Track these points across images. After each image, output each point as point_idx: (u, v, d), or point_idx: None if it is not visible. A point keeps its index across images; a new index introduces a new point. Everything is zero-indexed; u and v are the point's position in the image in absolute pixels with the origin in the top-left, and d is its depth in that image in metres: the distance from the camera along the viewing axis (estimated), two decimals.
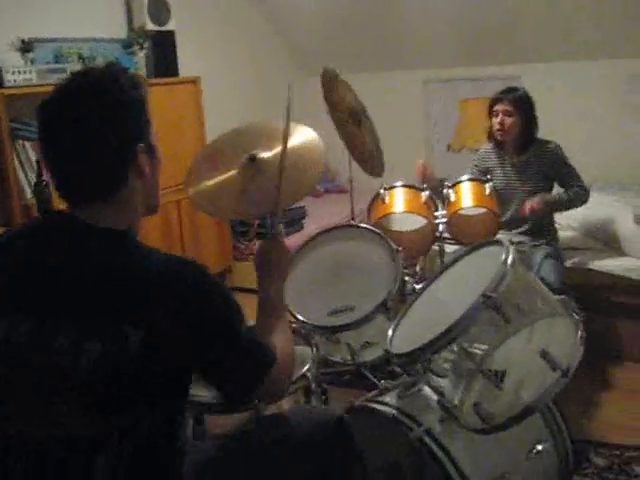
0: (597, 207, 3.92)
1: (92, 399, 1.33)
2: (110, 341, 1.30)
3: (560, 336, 1.91)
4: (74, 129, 1.38)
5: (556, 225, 3.63)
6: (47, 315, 1.34)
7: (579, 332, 1.91)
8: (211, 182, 2.76)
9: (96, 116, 1.37)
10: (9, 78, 3.49)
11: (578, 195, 3.41)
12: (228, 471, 1.63)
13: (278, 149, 2.72)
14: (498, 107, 3.46)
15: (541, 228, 3.52)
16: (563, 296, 2.03)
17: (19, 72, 3.54)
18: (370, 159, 3.43)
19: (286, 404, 2.04)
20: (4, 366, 1.36)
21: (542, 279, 2.36)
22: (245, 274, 4.94)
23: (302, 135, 2.78)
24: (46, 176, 3.53)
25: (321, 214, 5.29)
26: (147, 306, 1.33)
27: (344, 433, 1.76)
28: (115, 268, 1.36)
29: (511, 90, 3.49)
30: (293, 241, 4.59)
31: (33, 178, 3.57)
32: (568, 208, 3.50)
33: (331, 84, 3.41)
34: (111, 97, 1.39)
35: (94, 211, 1.41)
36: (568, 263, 3.61)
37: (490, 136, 3.60)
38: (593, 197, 3.83)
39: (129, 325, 1.31)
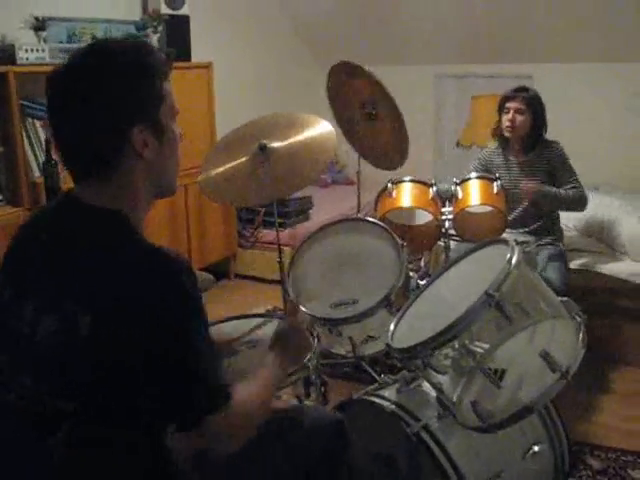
0: (603, 210, 3.92)
1: (46, 375, 1.35)
2: (64, 318, 1.30)
3: (561, 338, 1.91)
4: (70, 103, 1.36)
5: (562, 226, 3.63)
6: (22, 284, 1.39)
7: (581, 334, 1.91)
8: (221, 169, 2.79)
9: (91, 91, 1.35)
10: (21, 56, 3.48)
11: (575, 197, 3.38)
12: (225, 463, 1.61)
13: (288, 139, 2.76)
14: (510, 104, 3.46)
15: (547, 228, 3.52)
16: (566, 298, 2.03)
17: (32, 50, 3.53)
18: (385, 154, 3.46)
19: (285, 395, 2.04)
20: None
21: (546, 280, 2.36)
22: (249, 262, 4.95)
23: (316, 128, 2.81)
24: (55, 155, 3.54)
25: (328, 205, 5.29)
26: (102, 291, 1.29)
27: (343, 436, 1.77)
28: (87, 247, 1.34)
29: (524, 89, 3.49)
30: (299, 231, 4.61)
31: (42, 157, 3.58)
32: (567, 208, 3.48)
33: (346, 79, 3.41)
34: (103, 70, 1.36)
35: (93, 189, 1.39)
36: (572, 265, 3.61)
37: (495, 134, 3.60)
38: (599, 199, 3.83)
39: (81, 306, 1.29)
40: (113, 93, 1.35)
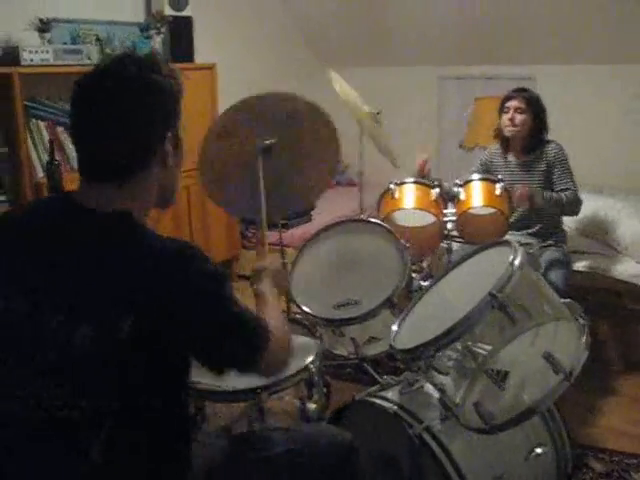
0: (605, 211, 3.92)
1: (82, 381, 1.35)
2: (102, 324, 1.32)
3: (565, 339, 1.91)
4: (108, 106, 1.39)
5: (564, 228, 3.63)
6: (43, 294, 1.37)
7: (584, 336, 1.91)
8: (223, 170, 2.78)
9: (131, 96, 1.40)
10: (26, 57, 3.49)
11: (569, 199, 3.36)
12: (238, 475, 1.65)
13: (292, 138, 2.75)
14: (510, 104, 3.48)
15: (550, 231, 3.52)
16: (569, 300, 2.03)
17: (36, 51, 3.54)
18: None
19: (287, 397, 2.04)
20: None
21: (548, 281, 2.36)
22: (252, 262, 4.94)
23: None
24: (58, 156, 3.55)
25: (330, 206, 5.27)
26: (139, 291, 1.33)
27: (354, 459, 1.77)
28: (111, 253, 1.37)
29: (523, 89, 3.52)
30: (302, 232, 4.61)
31: (45, 157, 3.59)
32: (561, 211, 3.45)
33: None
34: (149, 80, 1.42)
35: (107, 193, 1.41)
36: (575, 266, 3.60)
37: (497, 134, 3.61)
38: (602, 201, 3.82)
39: (120, 309, 1.31)
40: (152, 106, 1.43)
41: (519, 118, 3.44)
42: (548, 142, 3.50)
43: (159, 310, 1.33)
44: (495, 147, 3.67)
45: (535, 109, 3.45)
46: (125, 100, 1.40)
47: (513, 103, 3.47)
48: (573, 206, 3.40)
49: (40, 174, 3.63)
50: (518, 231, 3.52)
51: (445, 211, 3.29)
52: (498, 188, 3.25)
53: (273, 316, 1.66)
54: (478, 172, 3.57)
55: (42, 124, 3.68)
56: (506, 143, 3.58)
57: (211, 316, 1.41)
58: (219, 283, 1.44)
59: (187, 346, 1.42)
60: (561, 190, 3.38)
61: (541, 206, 3.33)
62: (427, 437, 1.98)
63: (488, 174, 3.46)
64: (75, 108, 1.43)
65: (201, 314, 1.39)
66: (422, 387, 2.19)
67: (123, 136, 1.40)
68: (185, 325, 1.37)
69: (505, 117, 3.49)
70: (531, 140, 3.49)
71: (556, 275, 3.21)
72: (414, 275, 2.93)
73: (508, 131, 3.48)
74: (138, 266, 1.35)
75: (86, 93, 1.42)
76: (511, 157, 3.57)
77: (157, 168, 1.45)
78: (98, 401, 1.35)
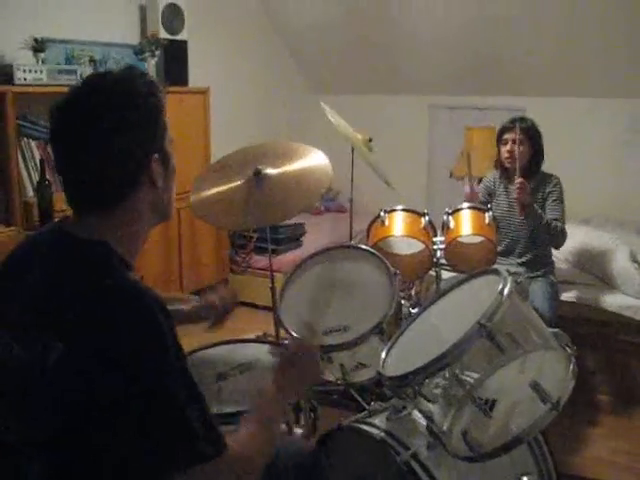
0: (594, 243, 3.94)
1: (17, 405, 1.31)
2: (33, 346, 1.27)
3: (552, 369, 1.91)
4: (84, 133, 1.32)
5: (553, 258, 3.65)
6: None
7: (571, 366, 1.91)
8: (214, 191, 2.80)
9: (108, 120, 1.32)
10: (19, 76, 3.51)
11: (557, 229, 3.38)
12: None
13: (283, 167, 2.77)
14: (508, 136, 3.49)
15: (539, 261, 3.54)
16: (557, 329, 2.03)
17: (30, 71, 3.56)
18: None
19: None
20: None
21: (536, 310, 2.36)
22: (241, 287, 4.94)
23: (312, 158, 2.82)
24: (49, 176, 3.54)
25: (320, 232, 5.30)
26: (74, 322, 1.24)
27: (318, 467, 1.77)
28: (65, 279, 1.30)
29: (521, 119, 3.52)
30: (292, 258, 4.61)
31: (36, 177, 3.59)
32: (546, 233, 3.41)
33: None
34: (126, 101, 1.35)
35: (92, 220, 1.37)
36: (563, 296, 3.62)
37: (497, 165, 3.63)
38: (590, 232, 3.84)
39: (52, 335, 1.25)
40: (135, 123, 1.35)
41: (518, 150, 3.44)
42: (549, 176, 3.53)
43: (89, 349, 1.22)
44: (495, 173, 3.71)
45: (533, 137, 3.48)
46: (99, 124, 1.32)
47: (511, 135, 3.47)
48: (558, 236, 3.41)
49: (30, 193, 3.62)
50: (507, 259, 3.54)
51: (434, 239, 3.31)
52: (487, 217, 3.27)
53: (252, 434, 1.40)
54: (484, 197, 3.64)
55: (34, 143, 3.68)
56: (506, 172, 3.61)
57: (145, 393, 1.22)
58: (167, 354, 1.25)
59: (108, 401, 1.22)
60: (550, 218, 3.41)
61: (532, 213, 3.34)
62: (414, 464, 1.96)
63: (490, 197, 3.52)
64: (51, 133, 1.38)
65: (132, 381, 1.21)
66: (409, 414, 2.18)
67: (102, 163, 1.32)
68: (111, 380, 1.21)
69: (504, 149, 3.50)
70: (530, 169, 3.51)
71: (543, 304, 3.23)
72: (403, 302, 2.93)
73: (508, 163, 3.50)
74: (84, 298, 1.26)
75: (60, 117, 1.37)
76: (510, 185, 3.57)
77: (147, 190, 1.39)
78: (28, 428, 1.30)
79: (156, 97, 1.40)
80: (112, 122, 1.32)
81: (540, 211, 3.36)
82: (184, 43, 4.61)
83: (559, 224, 3.39)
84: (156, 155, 1.39)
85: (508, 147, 3.48)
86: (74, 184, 1.37)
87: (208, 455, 1.25)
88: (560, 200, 3.47)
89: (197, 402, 1.27)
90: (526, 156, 3.47)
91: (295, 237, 5.08)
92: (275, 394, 1.53)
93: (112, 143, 1.32)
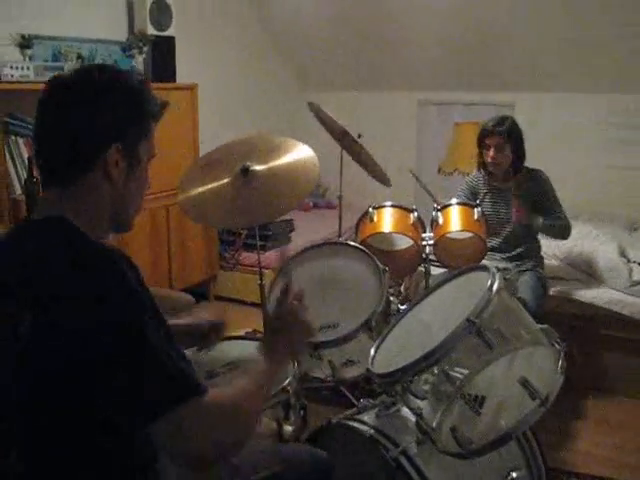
0: (582, 239, 3.96)
1: None
2: (4, 320, 1.29)
3: (541, 365, 1.91)
4: (52, 112, 1.39)
5: (542, 254, 3.67)
6: None
7: (560, 362, 1.92)
8: (202, 189, 2.78)
9: (76, 103, 1.38)
10: (6, 72, 3.48)
11: (561, 227, 3.44)
12: None
13: (271, 162, 2.76)
14: (489, 141, 3.46)
15: (528, 255, 3.55)
16: (546, 325, 2.04)
17: (17, 67, 3.53)
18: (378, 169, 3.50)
19: (264, 418, 2.03)
20: None
21: (521, 301, 2.37)
22: (230, 284, 4.95)
23: (299, 153, 2.81)
24: (37, 173, 3.52)
25: (309, 228, 5.30)
26: (42, 289, 1.26)
27: (331, 476, 1.78)
28: (29, 250, 1.33)
29: (501, 122, 3.47)
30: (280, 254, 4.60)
31: (24, 174, 3.57)
32: (552, 235, 3.55)
33: (319, 114, 3.45)
34: (96, 88, 1.40)
35: (51, 199, 1.40)
36: (551, 292, 3.64)
37: (480, 166, 3.63)
38: (578, 228, 3.86)
39: (21, 305, 1.27)
40: (107, 105, 1.39)
41: (501, 156, 3.44)
42: (534, 172, 3.53)
43: (60, 314, 1.24)
44: (478, 173, 3.70)
45: (514, 139, 3.46)
46: (66, 105, 1.38)
47: (492, 140, 3.44)
48: (565, 232, 3.48)
49: (18, 191, 3.60)
50: (496, 254, 3.56)
51: (423, 235, 3.31)
52: (476, 213, 3.28)
53: (238, 387, 1.42)
54: (465, 195, 3.64)
55: (21, 141, 3.66)
56: (489, 173, 3.61)
57: (121, 347, 1.23)
58: (140, 309, 1.27)
59: (87, 362, 1.23)
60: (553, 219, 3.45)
61: (537, 228, 3.41)
62: (403, 461, 1.97)
63: (474, 196, 3.51)
64: (39, 101, 1.43)
65: (107, 338, 1.23)
66: (399, 411, 2.19)
67: (58, 137, 1.38)
68: (86, 341, 1.22)
69: (487, 154, 3.49)
70: (513, 167, 3.51)
71: (529, 295, 3.24)
72: (392, 298, 2.93)
73: (492, 167, 3.51)
74: (52, 265, 1.28)
75: (39, 101, 1.42)
76: (494, 184, 3.61)
77: (102, 181, 1.39)
78: (6, 408, 1.31)
79: (135, 97, 1.44)
80: (78, 105, 1.38)
81: (538, 221, 3.40)
82: (172, 39, 4.60)
83: (563, 223, 3.44)
84: (118, 145, 1.39)
85: (491, 153, 3.45)
86: (36, 158, 1.44)
87: (184, 394, 1.26)
88: (555, 198, 3.49)
89: (170, 345, 1.28)
90: (509, 160, 3.47)
91: (284, 233, 5.07)
92: (266, 362, 1.55)
93: (66, 121, 1.37)
